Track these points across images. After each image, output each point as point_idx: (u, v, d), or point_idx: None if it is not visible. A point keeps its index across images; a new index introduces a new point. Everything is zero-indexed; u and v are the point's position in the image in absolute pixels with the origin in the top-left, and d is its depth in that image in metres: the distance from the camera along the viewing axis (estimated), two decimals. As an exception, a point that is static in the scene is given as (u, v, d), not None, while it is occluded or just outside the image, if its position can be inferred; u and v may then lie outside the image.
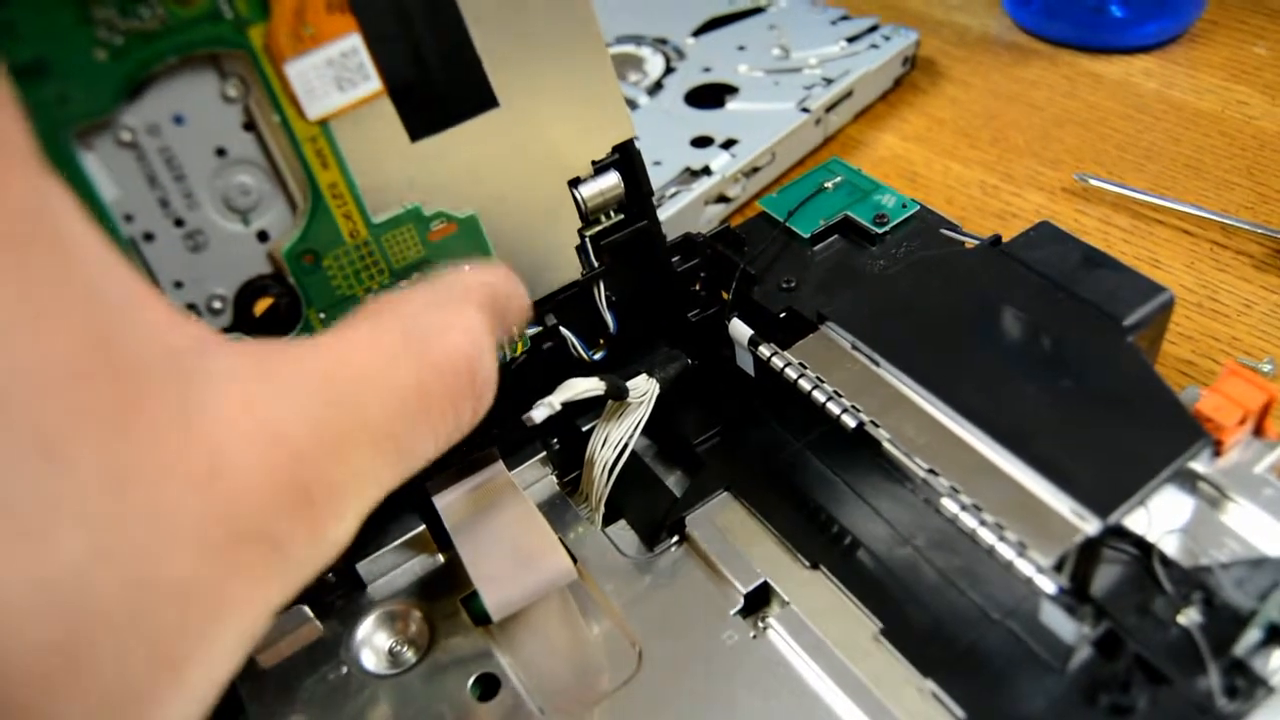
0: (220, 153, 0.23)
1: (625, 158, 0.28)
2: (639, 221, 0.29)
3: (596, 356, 0.30)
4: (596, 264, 0.29)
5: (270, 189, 0.24)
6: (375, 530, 0.29)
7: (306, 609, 0.28)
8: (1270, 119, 0.42)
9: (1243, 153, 0.41)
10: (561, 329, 0.29)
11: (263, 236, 0.24)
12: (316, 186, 0.24)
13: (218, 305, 0.24)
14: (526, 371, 0.29)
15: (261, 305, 0.25)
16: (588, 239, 0.28)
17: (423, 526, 0.29)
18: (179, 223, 0.23)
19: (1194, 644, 0.22)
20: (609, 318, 0.30)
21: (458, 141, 0.25)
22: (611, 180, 0.28)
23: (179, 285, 0.24)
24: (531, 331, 0.28)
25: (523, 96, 0.26)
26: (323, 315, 0.25)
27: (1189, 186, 0.40)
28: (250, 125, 0.23)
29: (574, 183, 0.27)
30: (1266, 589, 0.23)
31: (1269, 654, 0.22)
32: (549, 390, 0.27)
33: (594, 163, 0.27)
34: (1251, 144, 0.41)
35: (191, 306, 0.24)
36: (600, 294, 0.29)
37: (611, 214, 0.28)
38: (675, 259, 0.31)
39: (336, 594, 0.29)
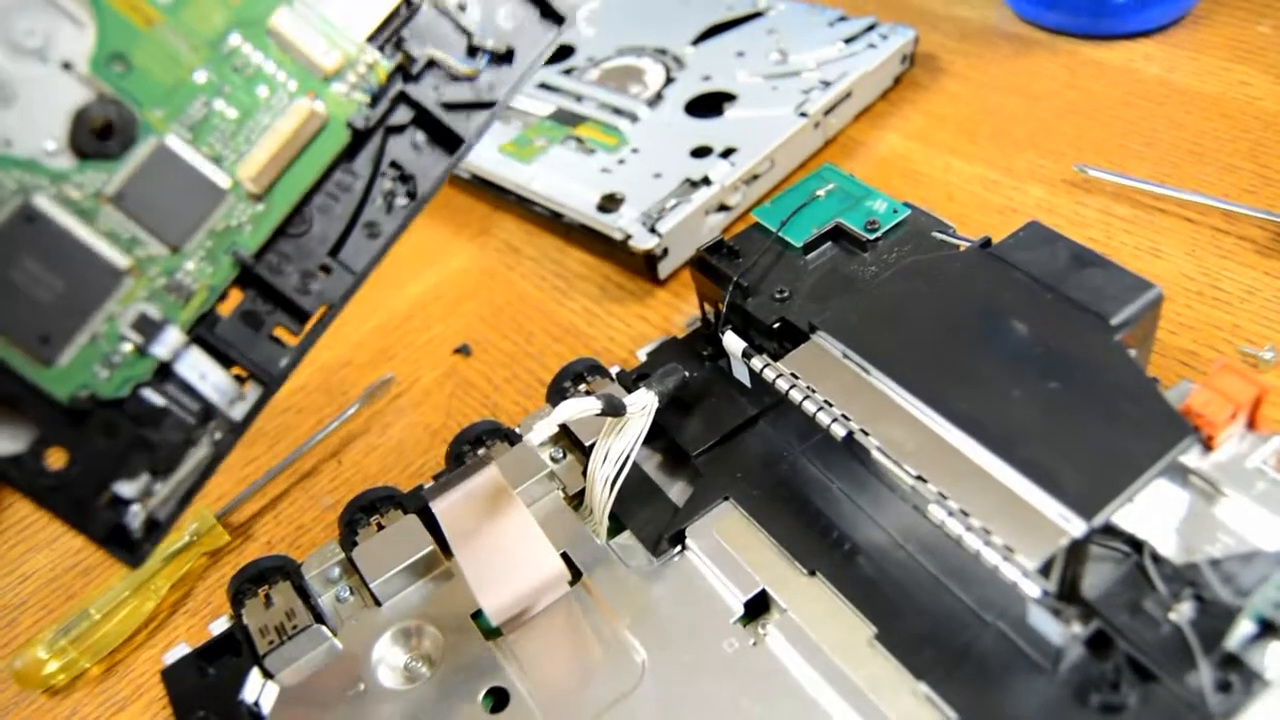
0: None
1: None
2: None
3: (480, 64, 0.28)
4: None
5: (52, 18, 0.23)
6: (389, 552, 0.30)
7: (325, 629, 0.29)
8: (1273, 99, 0.42)
9: (1245, 134, 0.41)
10: (430, 51, 0.27)
11: (67, 66, 0.24)
12: None
13: (52, 148, 0.24)
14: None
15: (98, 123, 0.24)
16: None
17: (433, 545, 0.30)
18: None
19: (1186, 641, 0.23)
20: (467, 21, 0.27)
21: None
22: None
23: (8, 144, 0.23)
24: (388, 64, 0.26)
25: None
26: (159, 112, 0.25)
27: (1191, 172, 0.40)
28: None
29: None
30: (1257, 582, 0.23)
31: (1264, 648, 0.22)
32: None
33: None
34: (1255, 125, 0.41)
35: (31, 164, 0.23)
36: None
37: None
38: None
39: (353, 614, 0.30)
